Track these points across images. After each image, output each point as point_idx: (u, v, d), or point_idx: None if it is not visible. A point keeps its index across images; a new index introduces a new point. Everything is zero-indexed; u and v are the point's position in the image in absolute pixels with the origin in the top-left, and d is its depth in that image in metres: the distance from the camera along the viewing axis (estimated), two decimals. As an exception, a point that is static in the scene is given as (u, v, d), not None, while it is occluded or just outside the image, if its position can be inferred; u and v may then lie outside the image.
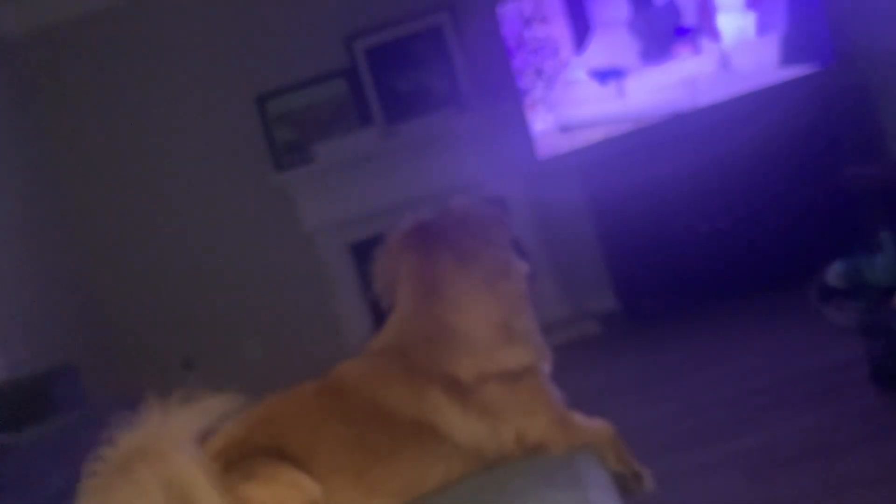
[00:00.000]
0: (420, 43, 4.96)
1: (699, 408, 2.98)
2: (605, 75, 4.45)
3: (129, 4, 5.11)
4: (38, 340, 4.50)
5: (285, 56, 5.05)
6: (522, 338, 1.57)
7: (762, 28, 4.33)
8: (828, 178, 4.16)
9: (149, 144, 5.18)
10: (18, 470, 2.89)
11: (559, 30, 4.48)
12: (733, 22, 4.33)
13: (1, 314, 4.31)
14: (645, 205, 4.39)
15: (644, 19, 4.43)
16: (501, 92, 4.82)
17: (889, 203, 3.70)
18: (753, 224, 4.34)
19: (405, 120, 4.89)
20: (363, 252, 4.52)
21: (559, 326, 4.50)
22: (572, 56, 4.48)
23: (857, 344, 2.70)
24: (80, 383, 3.82)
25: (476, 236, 1.61)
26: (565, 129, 4.55)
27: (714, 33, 4.37)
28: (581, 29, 4.46)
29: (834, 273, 2.55)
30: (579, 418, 1.59)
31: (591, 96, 4.50)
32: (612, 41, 4.44)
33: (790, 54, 4.33)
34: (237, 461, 1.35)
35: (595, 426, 1.59)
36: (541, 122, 4.57)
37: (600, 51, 4.45)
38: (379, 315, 1.67)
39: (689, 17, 4.40)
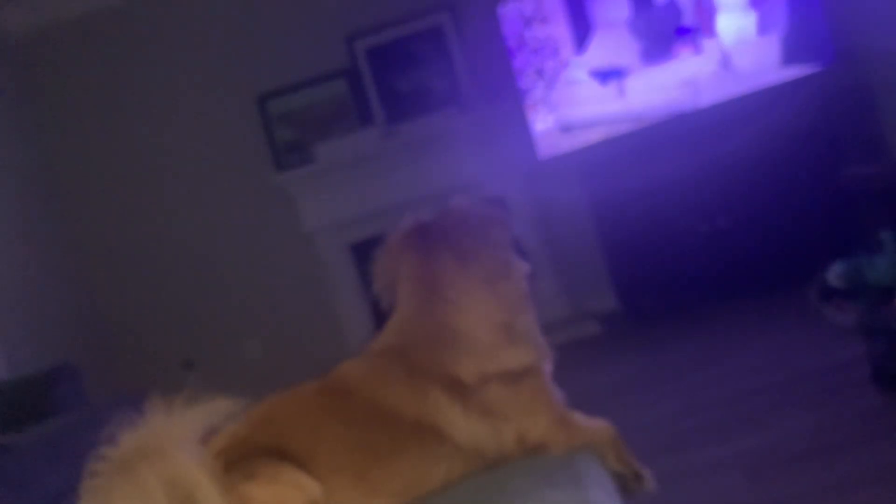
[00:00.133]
0: (421, 43, 4.96)
1: (699, 408, 2.98)
2: (606, 75, 4.46)
3: (130, 4, 5.11)
4: (38, 340, 4.50)
5: (286, 56, 5.05)
6: (523, 338, 1.57)
7: (763, 28, 4.33)
8: (828, 177, 4.16)
9: (149, 144, 5.18)
10: (19, 470, 2.89)
11: (560, 30, 4.48)
12: (734, 22, 4.33)
13: (1, 314, 4.31)
14: (645, 205, 4.39)
15: (645, 19, 4.43)
16: (502, 92, 4.82)
17: (889, 203, 3.70)
18: (754, 224, 4.34)
19: (406, 120, 4.89)
20: (363, 252, 4.52)
21: (560, 326, 4.50)
22: (573, 56, 4.48)
23: (857, 344, 2.70)
24: (81, 383, 3.82)
25: (476, 236, 1.61)
26: (566, 129, 4.55)
27: (712, 33, 4.37)
28: (581, 29, 4.46)
29: (834, 273, 2.54)
30: (580, 418, 1.59)
31: (592, 96, 4.50)
32: (613, 41, 4.44)
33: (791, 54, 4.33)
34: (238, 461, 1.35)
35: (595, 426, 1.59)
36: (541, 123, 4.57)
37: (601, 51, 4.45)
38: (379, 315, 1.67)
39: (689, 17, 4.40)
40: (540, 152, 4.62)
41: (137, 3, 5.11)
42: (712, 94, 4.40)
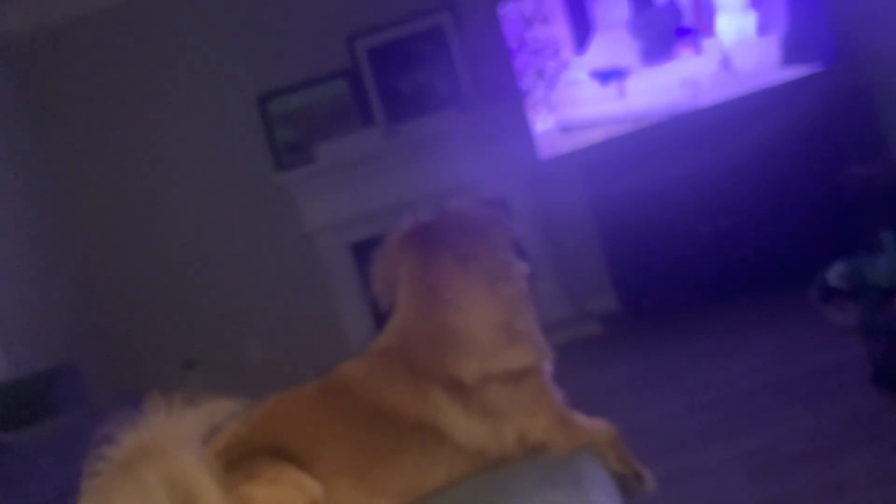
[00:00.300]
0: (421, 43, 4.96)
1: (700, 408, 2.98)
2: (607, 76, 4.46)
3: (130, 4, 5.11)
4: (39, 340, 4.50)
5: (287, 56, 5.05)
6: (523, 338, 1.57)
7: (763, 28, 4.33)
8: (828, 178, 4.16)
9: (149, 144, 5.18)
10: (19, 469, 2.90)
11: (560, 30, 4.48)
12: (734, 22, 4.33)
13: (2, 313, 4.32)
14: (646, 205, 4.39)
15: (645, 20, 4.43)
16: (502, 92, 4.82)
17: (890, 203, 3.71)
18: (754, 224, 4.34)
19: (406, 120, 4.89)
20: (364, 252, 4.52)
21: (560, 326, 4.50)
22: (573, 57, 4.48)
23: (858, 345, 2.70)
24: (82, 383, 3.82)
25: (476, 237, 1.61)
26: (566, 129, 4.55)
27: (712, 33, 4.37)
28: (582, 29, 4.46)
29: (835, 273, 2.54)
30: (580, 418, 1.59)
31: (593, 97, 4.50)
32: (613, 42, 4.44)
33: (791, 55, 4.33)
34: (239, 461, 1.35)
35: (596, 426, 1.60)
36: (542, 123, 4.57)
37: (601, 51, 4.45)
38: (379, 316, 1.67)
39: (689, 18, 4.40)
40: (540, 153, 4.62)
41: (138, 4, 5.11)
42: (712, 94, 4.40)
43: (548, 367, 1.60)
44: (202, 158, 5.17)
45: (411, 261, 1.60)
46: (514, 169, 4.79)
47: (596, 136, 4.52)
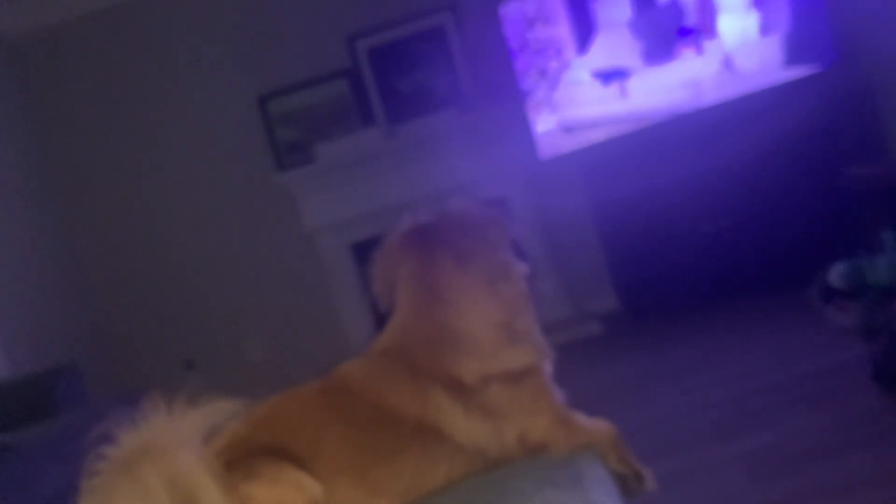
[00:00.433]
0: (422, 43, 4.96)
1: (701, 408, 2.98)
2: (609, 76, 4.45)
3: (130, 4, 5.11)
4: (39, 340, 4.50)
5: (287, 56, 5.05)
6: (524, 338, 1.57)
7: (765, 28, 4.33)
8: (829, 178, 4.16)
9: (150, 144, 5.19)
10: (20, 469, 2.90)
11: (562, 30, 4.48)
12: (736, 22, 4.33)
13: (3, 313, 4.32)
14: (647, 205, 4.39)
15: (647, 20, 4.43)
16: (503, 92, 4.82)
17: (891, 203, 3.71)
18: (755, 224, 4.34)
19: (407, 120, 4.89)
20: (364, 252, 4.52)
21: (561, 326, 4.50)
22: (575, 57, 4.48)
23: (858, 345, 2.70)
24: (82, 383, 3.82)
25: (475, 237, 1.61)
26: (568, 129, 4.55)
27: (714, 33, 4.37)
28: (584, 29, 4.46)
29: (835, 273, 2.54)
30: (581, 418, 1.59)
31: (594, 97, 4.50)
32: (615, 42, 4.44)
33: (793, 55, 4.33)
34: (239, 461, 1.35)
35: (596, 426, 1.59)
36: (544, 123, 4.57)
37: (603, 51, 4.45)
38: (380, 316, 1.67)
39: (691, 18, 4.40)
40: (542, 153, 4.62)
41: (138, 4, 5.11)
42: (714, 94, 4.40)
43: (548, 367, 1.60)
44: (203, 158, 5.17)
45: (411, 261, 1.60)
46: (514, 169, 4.79)
47: (597, 136, 4.52)
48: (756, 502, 2.22)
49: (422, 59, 4.97)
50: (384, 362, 1.54)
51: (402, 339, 1.56)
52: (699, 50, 4.40)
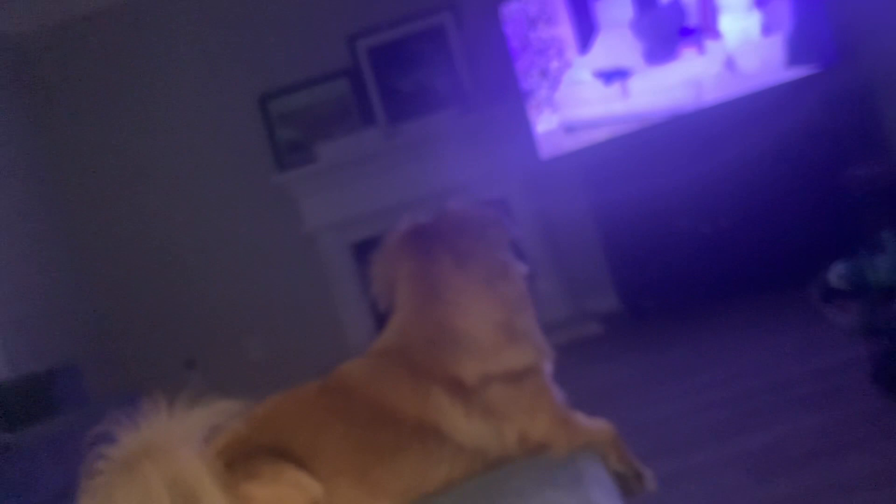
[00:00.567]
0: (423, 43, 4.96)
1: (701, 408, 2.98)
2: (610, 76, 4.46)
3: (131, 4, 5.11)
4: (40, 340, 4.50)
5: (288, 56, 5.06)
6: (524, 338, 1.57)
7: (767, 28, 4.33)
8: (830, 178, 4.16)
9: (150, 144, 5.19)
10: (20, 469, 2.90)
11: (564, 30, 4.48)
12: (738, 22, 4.33)
13: (3, 313, 4.32)
14: (647, 205, 4.39)
15: (648, 20, 4.43)
16: (503, 92, 4.82)
17: (891, 203, 3.71)
18: (755, 224, 4.34)
19: (408, 120, 4.90)
20: (365, 252, 4.51)
21: (561, 326, 4.51)
22: (577, 56, 4.48)
23: (858, 345, 2.70)
24: (82, 383, 3.83)
25: (474, 237, 1.61)
26: (569, 129, 4.55)
27: (716, 33, 4.37)
28: (586, 29, 4.46)
29: (836, 273, 2.54)
30: (581, 418, 1.59)
31: (596, 97, 4.50)
32: (617, 42, 4.44)
33: (795, 55, 4.33)
34: (239, 460, 1.35)
35: (597, 426, 1.59)
36: (545, 123, 4.57)
37: (605, 51, 4.45)
38: (380, 316, 1.67)
39: (693, 18, 4.39)
40: (542, 152, 4.62)
41: (138, 3, 5.11)
42: (715, 94, 4.40)
43: (548, 367, 1.60)
44: (203, 158, 5.17)
45: (410, 261, 1.60)
46: (514, 169, 4.80)
47: (599, 136, 4.52)
48: (756, 502, 2.22)
49: (422, 58, 4.97)
50: (384, 362, 1.54)
51: (402, 340, 1.56)
52: (701, 49, 4.40)
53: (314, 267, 5.10)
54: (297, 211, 5.01)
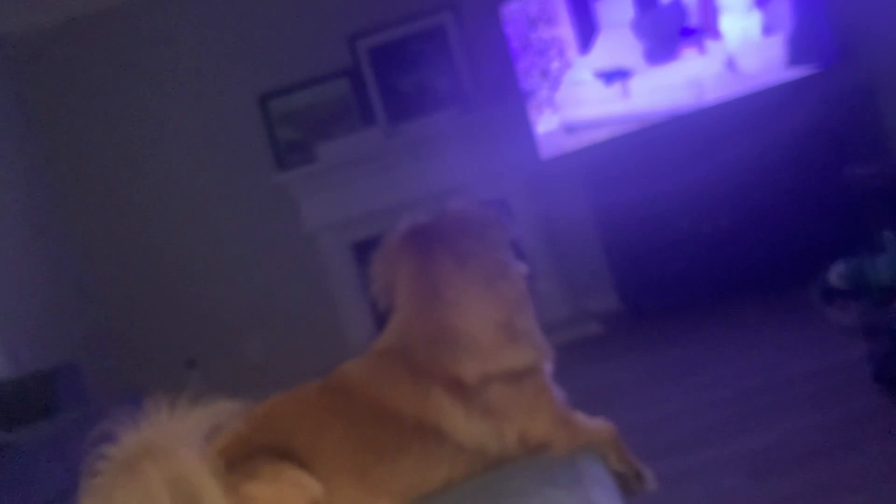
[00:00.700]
0: (423, 43, 4.96)
1: (701, 408, 2.98)
2: (611, 76, 4.45)
3: (131, 4, 5.11)
4: (40, 339, 4.50)
5: (288, 55, 5.05)
6: (524, 337, 1.57)
7: (768, 28, 4.33)
8: (830, 178, 4.16)
9: (150, 144, 5.19)
10: (21, 468, 2.90)
11: (564, 30, 4.48)
12: (738, 22, 4.33)
13: (4, 313, 4.32)
14: (647, 204, 4.39)
15: (649, 20, 4.43)
16: (504, 92, 4.82)
17: (892, 203, 3.70)
18: (756, 224, 4.34)
19: (408, 120, 4.90)
20: (365, 252, 4.51)
21: (561, 326, 4.50)
22: (577, 56, 4.48)
23: (859, 344, 2.70)
24: (83, 382, 3.83)
25: (474, 237, 1.61)
26: (570, 129, 4.55)
27: (716, 33, 4.36)
28: (586, 29, 4.46)
29: (836, 273, 2.54)
30: (581, 418, 1.59)
31: (596, 97, 4.49)
32: (618, 42, 4.44)
33: (796, 55, 4.33)
34: (240, 460, 1.35)
35: (597, 426, 1.60)
36: (545, 123, 4.57)
37: (606, 51, 4.45)
38: (380, 316, 1.67)
39: (694, 18, 4.39)
40: (543, 152, 4.61)
41: (138, 4, 5.11)
42: (716, 94, 4.40)
43: (548, 367, 1.60)
44: (203, 158, 5.17)
45: (410, 261, 1.60)
46: (515, 169, 4.79)
47: (599, 136, 4.52)
48: (756, 502, 2.22)
49: (422, 58, 4.97)
50: (384, 362, 1.54)
51: (403, 339, 1.56)
52: (702, 49, 4.40)
53: (314, 267, 5.10)
54: (297, 211, 5.01)
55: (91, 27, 5.14)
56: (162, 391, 1.30)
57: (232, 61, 5.09)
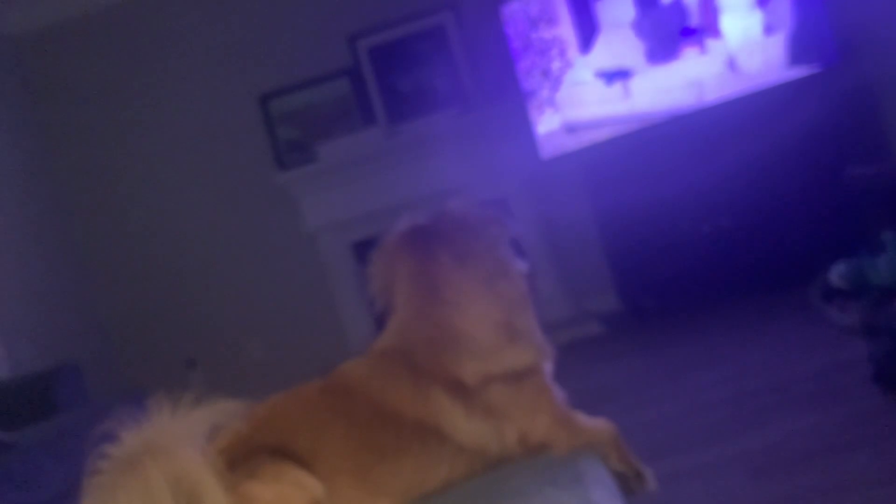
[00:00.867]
0: (423, 42, 4.96)
1: (701, 408, 2.98)
2: (612, 76, 4.45)
3: (131, 4, 5.11)
4: (41, 339, 4.50)
5: (288, 55, 5.05)
6: (524, 337, 1.57)
7: (769, 28, 4.33)
8: (831, 177, 4.16)
9: (151, 144, 5.19)
10: (22, 468, 2.90)
11: (565, 30, 4.48)
12: (739, 22, 4.33)
13: (4, 313, 4.32)
14: (648, 205, 4.39)
15: (650, 20, 4.43)
16: (504, 92, 4.82)
17: (892, 203, 3.70)
18: (756, 224, 4.34)
19: (408, 120, 4.90)
20: (365, 252, 4.50)
21: (561, 326, 4.50)
22: (578, 56, 4.48)
23: (859, 344, 2.70)
24: (84, 382, 3.83)
25: (474, 236, 1.61)
26: (571, 129, 4.55)
27: (717, 33, 4.36)
28: (587, 29, 4.46)
29: (836, 273, 2.54)
30: (581, 418, 1.59)
31: (597, 97, 4.49)
32: (619, 42, 4.44)
33: (796, 55, 4.33)
34: (241, 460, 1.35)
35: (597, 426, 1.60)
36: (546, 123, 4.57)
37: (606, 51, 4.45)
38: (380, 316, 1.67)
39: (695, 18, 4.39)
40: (543, 152, 4.61)
41: (138, 3, 5.11)
42: (717, 94, 4.40)
43: (548, 367, 1.60)
44: (204, 158, 5.17)
45: (409, 261, 1.60)
46: (516, 168, 4.79)
47: (600, 136, 4.52)
48: (756, 502, 2.22)
49: (423, 58, 4.97)
50: (385, 362, 1.54)
51: (403, 339, 1.56)
52: (703, 49, 4.39)
53: (314, 267, 5.10)
54: (297, 210, 5.01)
55: (91, 27, 5.14)
56: (163, 391, 1.31)
57: (232, 61, 5.10)
